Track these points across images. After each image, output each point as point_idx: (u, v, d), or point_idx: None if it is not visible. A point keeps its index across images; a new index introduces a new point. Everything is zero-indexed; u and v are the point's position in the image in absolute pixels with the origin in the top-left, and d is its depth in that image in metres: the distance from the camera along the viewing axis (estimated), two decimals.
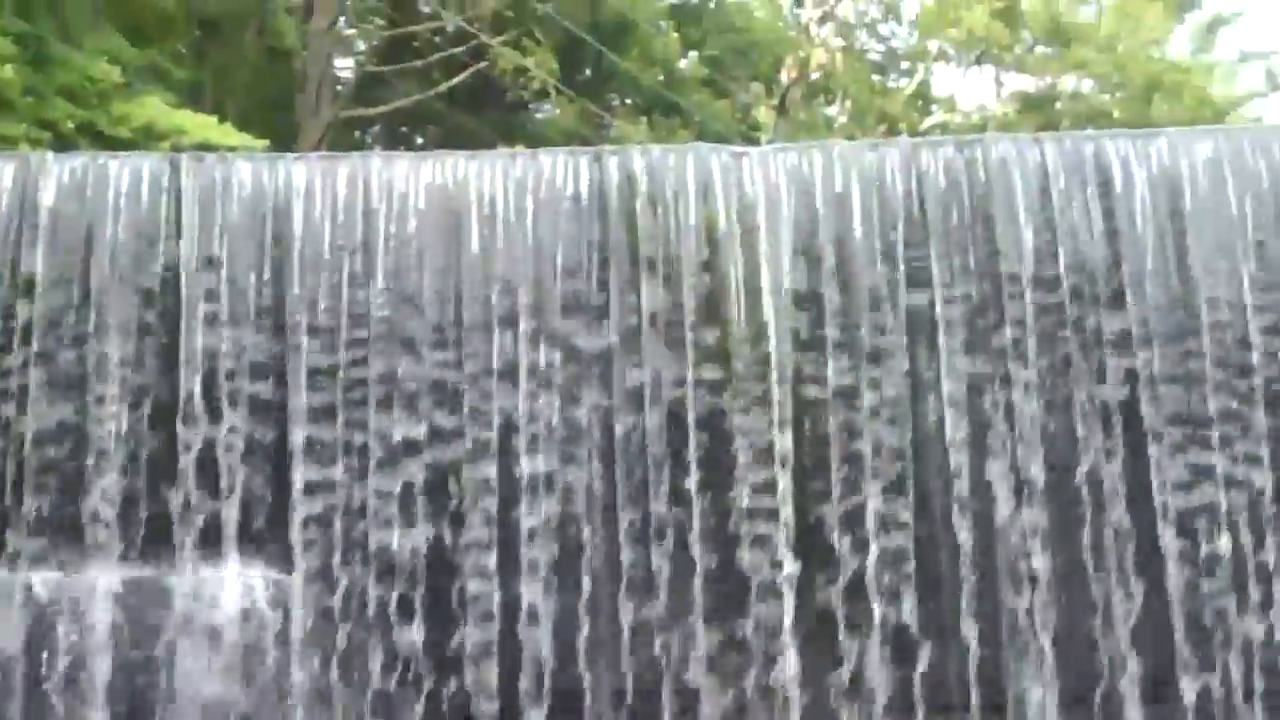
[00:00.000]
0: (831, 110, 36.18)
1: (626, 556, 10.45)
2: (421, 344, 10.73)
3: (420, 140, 30.72)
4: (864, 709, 10.28)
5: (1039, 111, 35.60)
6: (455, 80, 28.10)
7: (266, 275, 10.82)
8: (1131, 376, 10.59)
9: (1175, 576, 10.32)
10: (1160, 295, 10.71)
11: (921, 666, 10.26)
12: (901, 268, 10.84)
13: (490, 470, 10.55)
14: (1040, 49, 36.60)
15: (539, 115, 30.63)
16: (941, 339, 10.69)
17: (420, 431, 10.61)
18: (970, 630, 10.31)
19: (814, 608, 10.36)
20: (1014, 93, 37.33)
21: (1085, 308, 10.71)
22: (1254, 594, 10.29)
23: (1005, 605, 10.37)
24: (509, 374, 10.65)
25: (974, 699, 10.26)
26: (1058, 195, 10.95)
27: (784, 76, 35.02)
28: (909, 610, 10.31)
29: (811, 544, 10.43)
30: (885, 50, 38.82)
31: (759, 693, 10.29)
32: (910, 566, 10.37)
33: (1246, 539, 10.35)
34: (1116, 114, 35.06)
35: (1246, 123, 33.52)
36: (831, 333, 10.70)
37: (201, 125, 19.64)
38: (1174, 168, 11.05)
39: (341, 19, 28.42)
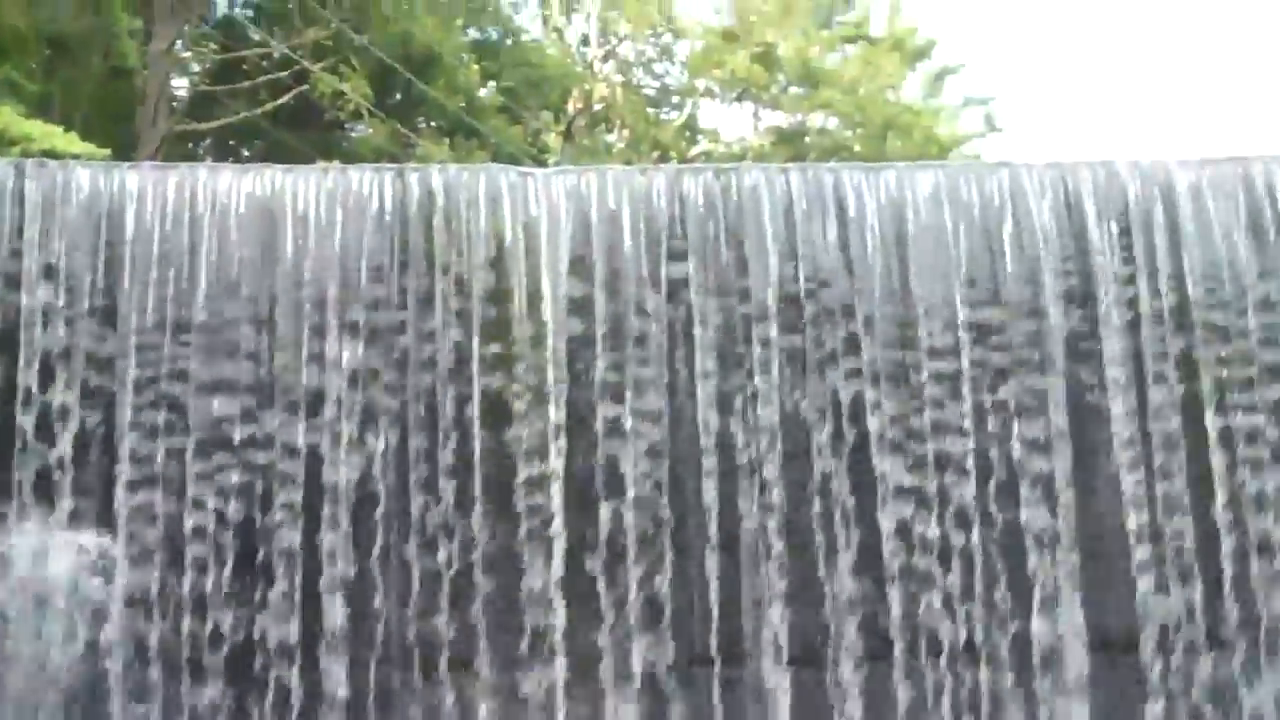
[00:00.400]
0: (611, 137, 36.17)
1: (415, 522, 10.42)
2: (240, 337, 10.58)
3: (247, 153, 30.24)
4: (623, 658, 10.32)
5: (790, 144, 35.85)
6: (279, 101, 27.75)
7: (100, 271, 10.62)
8: (858, 380, 10.69)
9: (891, 552, 10.46)
10: (885, 309, 10.82)
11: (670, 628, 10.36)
12: (664, 279, 10.86)
13: (299, 447, 10.45)
14: (793, 90, 36.82)
15: (354, 134, 30.31)
16: (697, 343, 10.72)
17: (236, 413, 10.47)
18: (714, 595, 10.39)
19: (581, 568, 10.38)
20: (770, 127, 37.54)
21: (821, 318, 10.78)
22: (956, 563, 10.46)
23: (745, 574, 10.46)
24: (317, 363, 10.54)
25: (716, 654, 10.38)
26: (800, 218, 11.02)
27: (570, 107, 35.02)
28: (663, 577, 10.37)
29: (578, 514, 10.44)
30: (659, 86, 38.84)
31: (530, 646, 10.31)
32: (665, 538, 10.42)
33: (951, 521, 10.51)
34: (857, 148, 35.41)
35: (966, 160, 34.05)
36: (601, 334, 10.69)
37: (48, 134, 19.16)
38: (900, 197, 11.15)
39: (179, 43, 27.93)
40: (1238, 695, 10.33)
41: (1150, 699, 10.30)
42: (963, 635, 10.38)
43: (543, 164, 28.20)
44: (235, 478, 10.41)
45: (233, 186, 10.97)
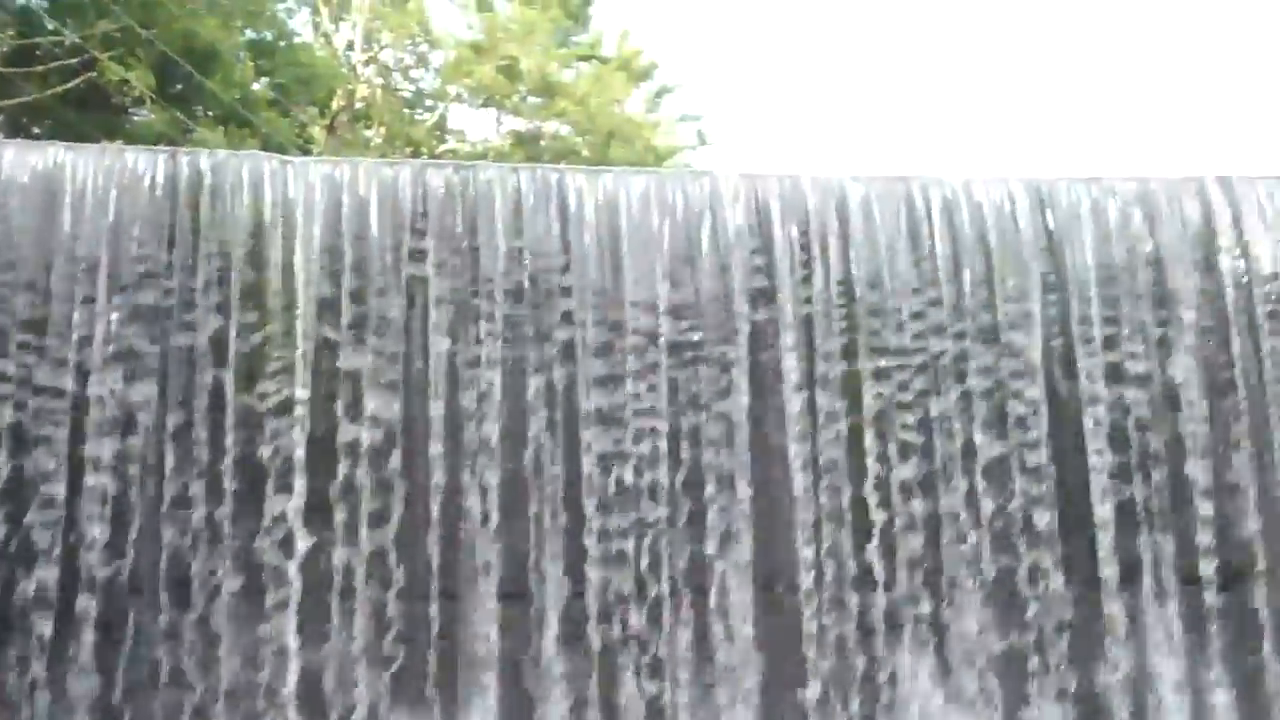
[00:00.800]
0: (370, 133, 35.74)
1: (170, 473, 10.17)
2: (17, 301, 10.24)
3: (38, 132, 29.11)
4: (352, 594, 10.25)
5: (527, 147, 35.81)
6: (70, 85, 26.89)
7: None
8: (571, 356, 10.73)
9: (590, 507, 10.52)
10: (598, 295, 10.87)
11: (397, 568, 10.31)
12: (405, 262, 10.77)
13: (64, 405, 10.14)
14: (532, 99, 36.78)
15: (137, 119, 29.40)
16: (431, 320, 10.66)
17: (10, 370, 10.13)
18: (435, 538, 10.37)
19: (318, 515, 10.25)
20: (510, 131, 37.47)
21: (541, 303, 10.80)
22: (649, 512, 10.57)
23: (466, 519, 10.44)
24: (87, 326, 10.23)
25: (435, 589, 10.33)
26: (528, 212, 11.00)
27: (335, 104, 34.57)
28: (391, 523, 10.30)
29: (319, 468, 10.29)
30: (415, 90, 38.43)
31: (270, 581, 10.15)
32: (396, 490, 10.35)
33: (648, 477, 10.59)
34: (585, 153, 35.53)
35: (677, 168, 34.32)
36: (347, 308, 10.56)
37: None
38: (615, 197, 11.18)
39: None
40: (882, 630, 10.60)
41: (806, 634, 10.51)
42: (651, 579, 10.48)
43: (308, 154, 27.79)
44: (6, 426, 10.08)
45: (17, 160, 10.59)
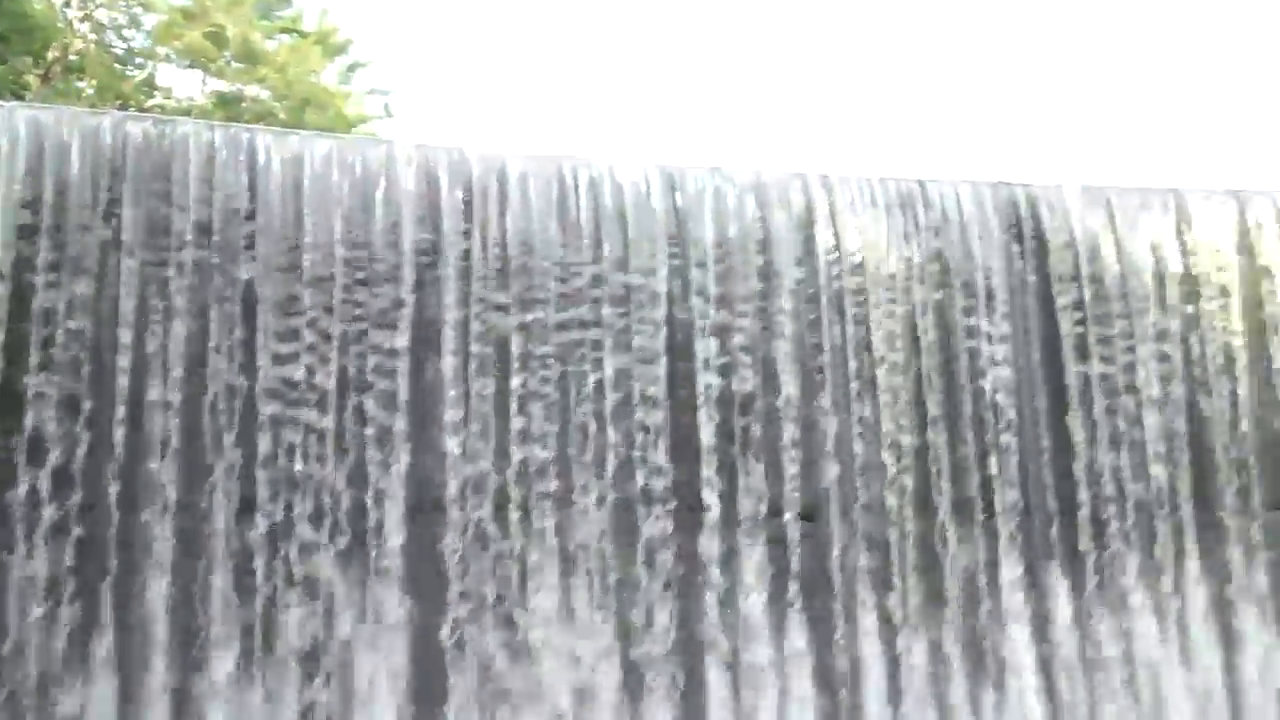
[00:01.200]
0: (83, 85, 34.17)
1: None
2: None
3: None
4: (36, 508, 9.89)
5: (229, 107, 34.61)
6: None
7: None
8: (252, 296, 10.55)
9: (263, 430, 10.36)
10: (279, 243, 10.73)
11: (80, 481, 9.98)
12: (103, 204, 10.44)
13: None
14: (236, 65, 35.77)
15: None
16: (123, 260, 10.36)
17: None
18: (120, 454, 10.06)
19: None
20: (214, 91, 36.33)
21: (229, 246, 10.60)
22: (314, 446, 10.46)
23: (146, 439, 10.16)
24: None
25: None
26: (218, 165, 10.80)
27: (50, 55, 32.93)
28: (82, 445, 9.97)
29: (10, 392, 9.92)
30: (127, 48, 36.90)
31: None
32: (84, 414, 10.01)
33: (313, 407, 10.50)
34: (282, 116, 34.69)
35: (363, 135, 33.87)
36: (45, 246, 10.23)
37: None
38: (300, 155, 11.06)
39: None
40: (518, 544, 10.73)
41: (449, 549, 10.55)
42: (315, 497, 10.42)
43: (21, 100, 26.40)
44: None
45: None
